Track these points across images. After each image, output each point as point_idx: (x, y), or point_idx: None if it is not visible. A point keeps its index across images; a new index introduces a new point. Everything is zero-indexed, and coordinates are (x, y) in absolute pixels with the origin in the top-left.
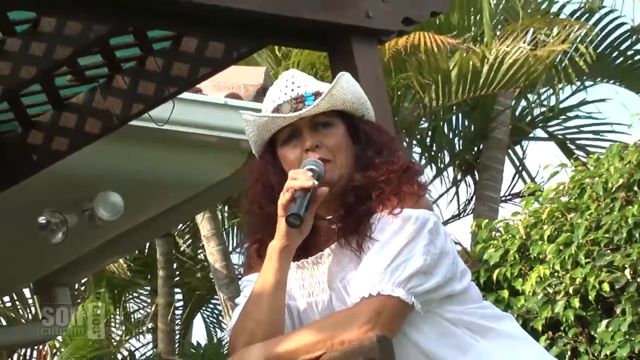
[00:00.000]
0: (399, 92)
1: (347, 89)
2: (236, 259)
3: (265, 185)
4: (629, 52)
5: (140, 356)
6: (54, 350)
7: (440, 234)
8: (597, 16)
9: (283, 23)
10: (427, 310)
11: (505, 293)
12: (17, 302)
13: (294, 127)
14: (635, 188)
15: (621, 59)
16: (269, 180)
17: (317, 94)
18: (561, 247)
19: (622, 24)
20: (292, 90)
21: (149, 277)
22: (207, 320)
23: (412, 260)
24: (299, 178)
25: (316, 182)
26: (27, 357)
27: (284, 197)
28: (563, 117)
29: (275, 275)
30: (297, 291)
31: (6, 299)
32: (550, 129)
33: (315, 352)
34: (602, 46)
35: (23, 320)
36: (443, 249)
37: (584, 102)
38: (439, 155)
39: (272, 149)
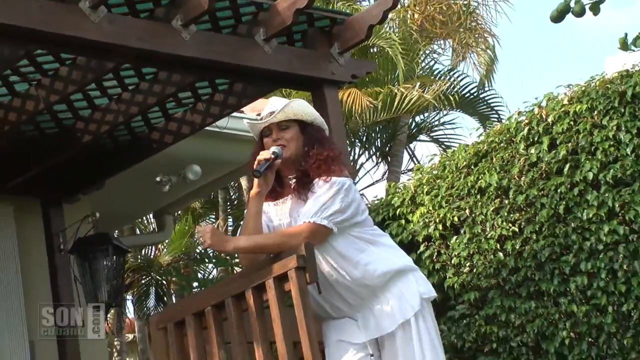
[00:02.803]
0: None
1: (295, 107)
2: None
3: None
4: (467, 94)
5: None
6: (164, 248)
7: (351, 190)
8: (455, 73)
9: (288, 76)
10: (341, 231)
11: (403, 221)
12: (145, 221)
13: (269, 127)
14: (472, 167)
15: (463, 97)
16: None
17: None
18: (432, 197)
19: (466, 76)
20: (270, 108)
21: (213, 210)
22: None
23: (333, 204)
24: (263, 154)
25: (273, 156)
26: (149, 251)
27: (254, 163)
28: (436, 128)
29: (253, 208)
30: (274, 217)
31: (140, 219)
32: (430, 134)
33: (276, 251)
34: (454, 90)
35: (147, 230)
36: (352, 198)
37: (446, 122)
38: (370, 148)
39: (260, 140)
